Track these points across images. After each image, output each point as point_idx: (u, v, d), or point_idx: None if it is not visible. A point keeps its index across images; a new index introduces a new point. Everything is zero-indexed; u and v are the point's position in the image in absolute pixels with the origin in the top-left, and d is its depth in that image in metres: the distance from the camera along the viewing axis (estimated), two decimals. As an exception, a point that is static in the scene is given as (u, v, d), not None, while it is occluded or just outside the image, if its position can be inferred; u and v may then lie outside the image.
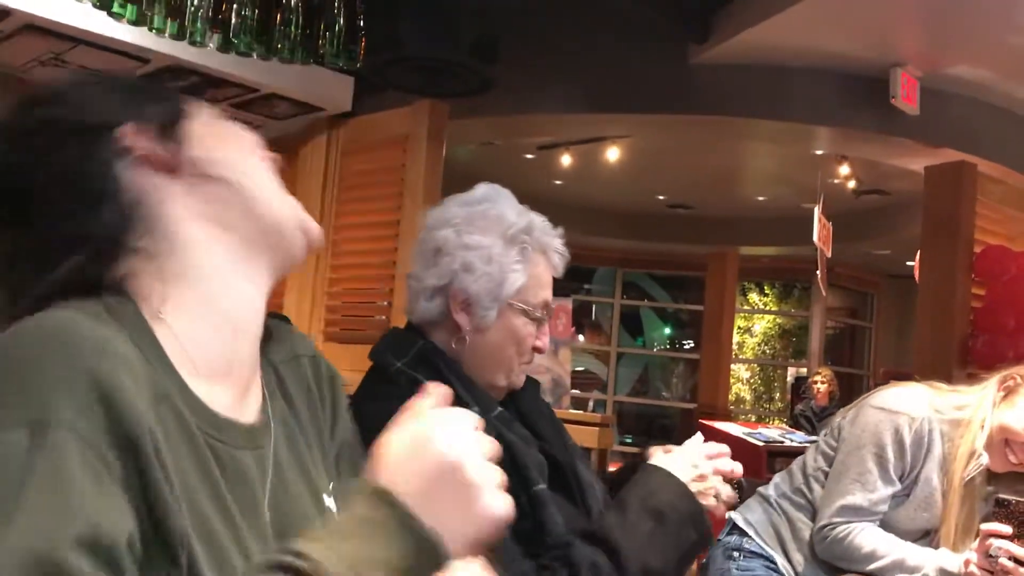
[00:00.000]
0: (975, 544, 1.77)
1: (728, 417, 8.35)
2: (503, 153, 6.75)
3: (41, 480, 0.60)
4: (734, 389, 10.47)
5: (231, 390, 0.80)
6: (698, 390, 9.43)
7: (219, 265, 0.80)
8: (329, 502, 0.87)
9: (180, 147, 0.81)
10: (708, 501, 1.33)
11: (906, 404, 1.95)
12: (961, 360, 4.90)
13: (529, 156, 6.87)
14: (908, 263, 7.23)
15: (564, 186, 7.75)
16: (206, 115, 0.86)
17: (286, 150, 5.74)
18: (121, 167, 0.78)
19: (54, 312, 0.70)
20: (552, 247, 1.43)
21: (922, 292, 5.24)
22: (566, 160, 6.79)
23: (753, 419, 10.22)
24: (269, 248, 0.84)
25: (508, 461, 1.20)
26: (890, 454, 1.92)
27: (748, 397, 11.13)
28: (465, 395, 1.29)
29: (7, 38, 4.19)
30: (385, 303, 4.68)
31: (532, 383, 1.49)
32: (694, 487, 1.31)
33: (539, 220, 1.43)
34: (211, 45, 4.02)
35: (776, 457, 5.25)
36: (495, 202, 1.41)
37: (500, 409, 1.36)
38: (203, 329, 0.78)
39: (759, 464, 5.14)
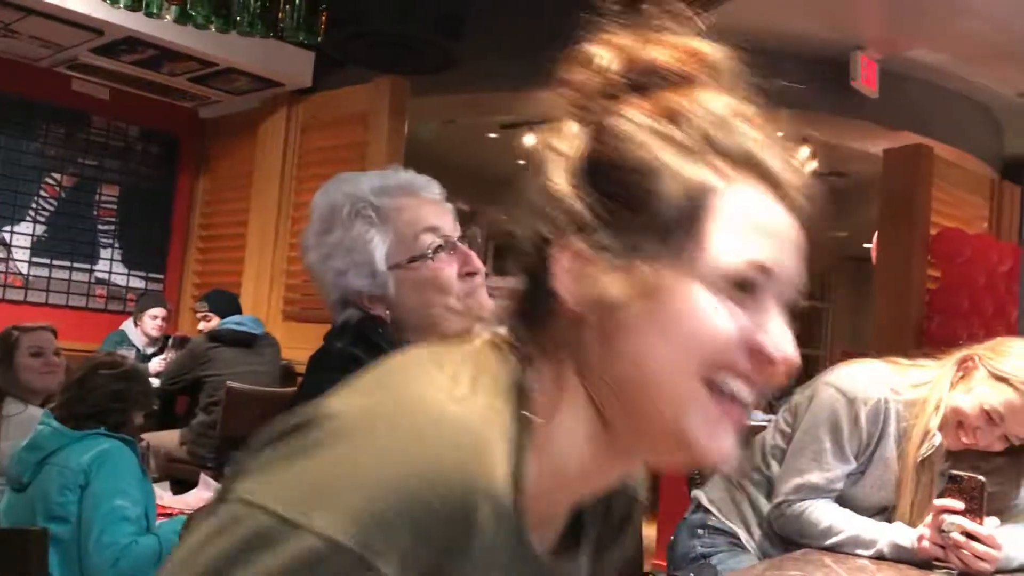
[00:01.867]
0: (928, 519, 1.79)
1: (687, 397, 8.42)
2: (465, 132, 6.71)
3: None
4: (693, 369, 10.57)
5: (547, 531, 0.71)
6: (658, 370, 9.49)
7: (580, 442, 0.68)
8: None
9: (617, 306, 0.64)
10: None
11: (862, 384, 1.96)
12: (917, 341, 4.98)
13: (492, 135, 6.84)
14: (865, 245, 7.31)
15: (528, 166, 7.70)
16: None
17: (244, 126, 5.67)
18: (552, 253, 0.67)
19: (475, 403, 0.60)
20: (403, 186, 1.44)
21: (879, 274, 5.32)
22: (529, 140, 6.74)
23: (712, 399, 10.31)
24: (635, 437, 0.68)
25: None
26: (845, 433, 1.93)
27: (707, 377, 11.24)
28: None
29: (-45, 7, 4.08)
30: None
31: None
32: None
33: (367, 181, 1.44)
34: (168, 17, 3.94)
35: (734, 435, 5.29)
36: (327, 196, 1.44)
37: None
38: (547, 489, 0.66)
39: (717, 443, 5.18)
